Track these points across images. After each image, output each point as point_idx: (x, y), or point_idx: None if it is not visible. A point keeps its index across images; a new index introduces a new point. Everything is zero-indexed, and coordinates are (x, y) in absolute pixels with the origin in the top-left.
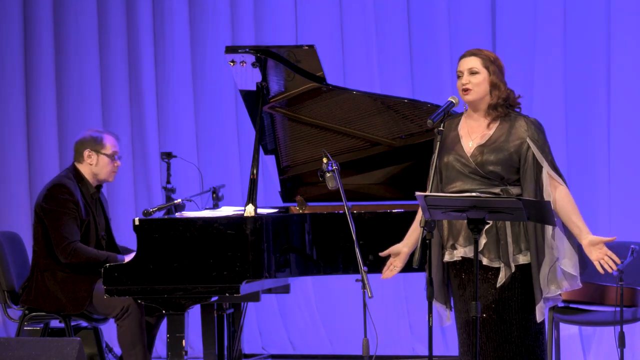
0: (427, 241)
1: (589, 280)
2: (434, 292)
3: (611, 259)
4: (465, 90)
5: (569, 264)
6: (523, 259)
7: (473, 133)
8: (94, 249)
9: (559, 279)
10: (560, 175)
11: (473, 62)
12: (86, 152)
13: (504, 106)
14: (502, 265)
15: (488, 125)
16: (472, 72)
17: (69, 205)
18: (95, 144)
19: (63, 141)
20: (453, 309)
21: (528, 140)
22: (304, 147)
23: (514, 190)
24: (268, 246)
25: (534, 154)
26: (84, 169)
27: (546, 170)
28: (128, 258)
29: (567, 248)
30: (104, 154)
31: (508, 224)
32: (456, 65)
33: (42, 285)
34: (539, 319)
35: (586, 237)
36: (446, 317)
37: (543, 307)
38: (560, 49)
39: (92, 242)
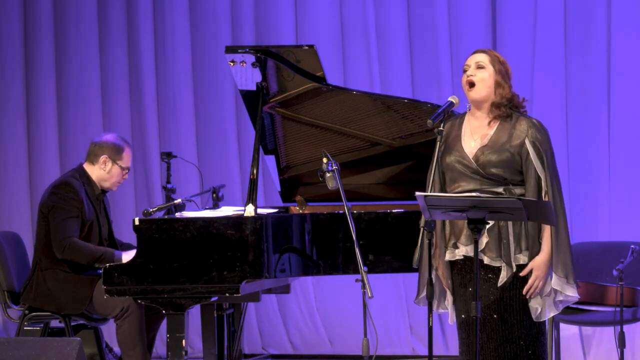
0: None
1: (589, 280)
2: (434, 292)
3: (537, 289)
4: (471, 84)
5: (557, 282)
6: (523, 259)
7: (475, 133)
8: (90, 244)
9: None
10: (553, 185)
11: (481, 57)
12: (103, 157)
13: (507, 107)
14: (503, 264)
15: (489, 123)
16: (479, 67)
17: (72, 204)
18: (115, 153)
19: (63, 141)
20: (453, 307)
21: (527, 141)
22: (304, 147)
23: (518, 190)
24: (268, 246)
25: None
26: (93, 171)
27: (545, 178)
28: (125, 254)
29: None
30: (119, 165)
31: (510, 223)
32: (456, 65)
33: (43, 285)
34: (540, 318)
35: (538, 257)
36: (449, 319)
37: (545, 307)
38: (560, 49)
39: (95, 243)
